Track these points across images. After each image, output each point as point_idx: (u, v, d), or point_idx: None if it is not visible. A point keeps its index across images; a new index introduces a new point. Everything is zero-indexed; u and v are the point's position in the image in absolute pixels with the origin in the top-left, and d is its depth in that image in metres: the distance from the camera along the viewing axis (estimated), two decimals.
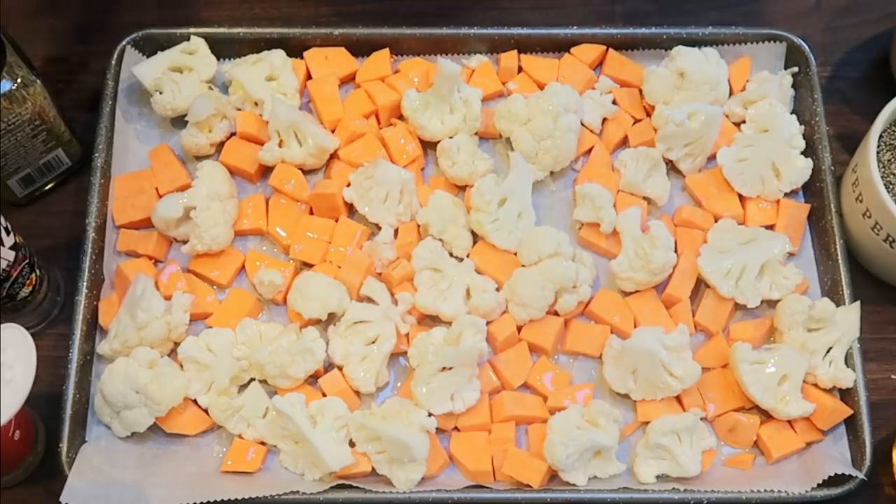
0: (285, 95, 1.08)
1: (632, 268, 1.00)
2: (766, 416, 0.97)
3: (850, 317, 0.98)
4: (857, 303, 0.99)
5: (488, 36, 1.12)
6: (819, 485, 0.93)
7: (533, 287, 0.98)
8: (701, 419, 0.96)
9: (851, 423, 0.97)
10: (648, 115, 1.10)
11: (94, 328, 1.00)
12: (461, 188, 1.06)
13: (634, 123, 1.10)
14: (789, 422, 0.97)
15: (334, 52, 1.11)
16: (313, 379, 0.98)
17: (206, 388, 0.96)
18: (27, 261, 0.96)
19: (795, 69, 1.10)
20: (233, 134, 1.08)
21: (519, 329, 1.00)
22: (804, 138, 1.06)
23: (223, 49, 1.11)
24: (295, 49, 1.11)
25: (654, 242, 0.99)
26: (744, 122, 1.08)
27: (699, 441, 0.95)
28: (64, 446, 0.94)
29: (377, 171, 1.01)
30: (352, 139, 1.07)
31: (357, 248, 1.02)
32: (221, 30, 1.11)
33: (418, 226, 1.04)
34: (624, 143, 1.10)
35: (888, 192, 0.97)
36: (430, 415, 0.94)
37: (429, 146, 1.08)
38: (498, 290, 1.00)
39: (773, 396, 0.95)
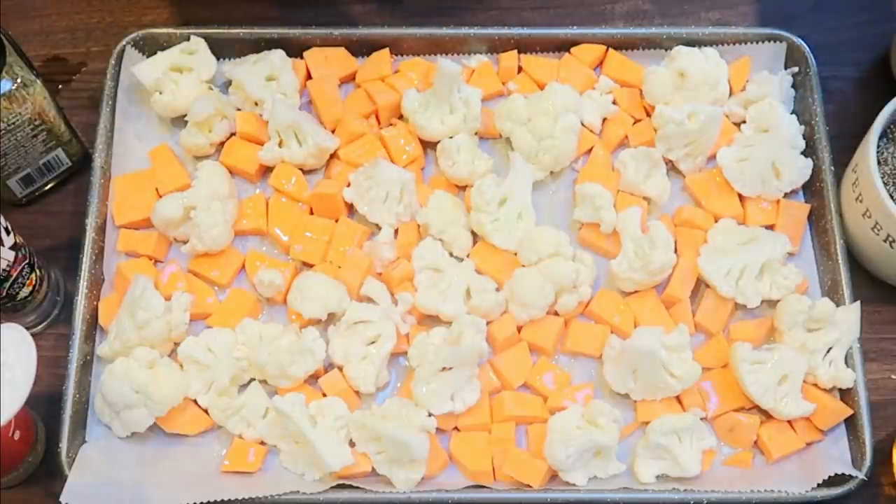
0: (285, 95, 1.07)
1: (631, 268, 1.00)
2: (766, 416, 0.97)
3: (850, 317, 0.98)
4: (857, 303, 0.99)
5: (488, 36, 1.11)
6: (819, 485, 0.93)
7: (533, 287, 0.98)
8: (701, 419, 0.96)
9: (851, 423, 0.97)
10: (648, 115, 1.10)
11: (94, 328, 1.00)
12: (461, 188, 1.06)
13: (634, 123, 1.10)
14: (789, 422, 0.97)
15: (334, 52, 1.11)
16: (313, 379, 0.98)
17: (206, 388, 0.96)
18: (27, 261, 0.96)
19: (795, 69, 1.10)
20: (233, 134, 1.08)
21: (519, 329, 1.00)
22: (804, 138, 1.06)
23: (223, 49, 1.11)
24: (295, 49, 1.11)
25: (654, 242, 0.99)
26: (744, 122, 1.08)
27: (699, 441, 0.95)
28: (64, 446, 0.94)
29: (377, 172, 1.01)
30: (352, 139, 1.07)
31: (357, 248, 1.02)
32: (221, 30, 1.11)
33: (418, 226, 1.04)
34: (624, 143, 1.10)
35: (888, 192, 0.97)
36: (430, 415, 0.94)
37: (429, 146, 1.08)
38: (498, 290, 1.00)
39: (773, 396, 0.95)
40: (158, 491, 0.92)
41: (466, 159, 1.04)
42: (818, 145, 1.07)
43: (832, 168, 1.06)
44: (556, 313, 1.00)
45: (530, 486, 0.94)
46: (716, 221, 1.04)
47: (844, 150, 1.09)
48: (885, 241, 0.98)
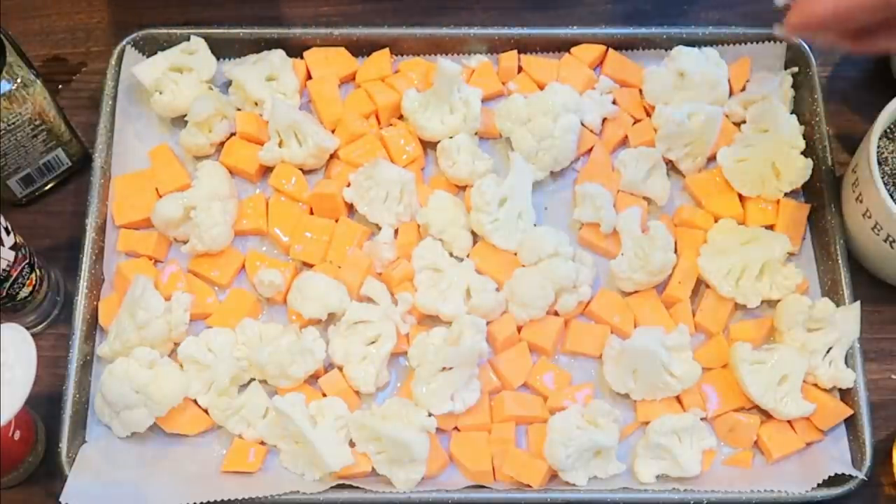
0: (285, 95, 1.07)
1: (631, 268, 1.00)
2: (766, 416, 0.97)
3: (850, 317, 0.98)
4: (857, 303, 0.99)
5: (488, 36, 1.11)
6: (819, 485, 0.93)
7: (533, 287, 0.98)
8: (701, 419, 0.96)
9: (851, 423, 0.97)
10: (648, 115, 1.10)
11: (94, 328, 1.00)
12: (461, 188, 1.06)
13: (634, 123, 1.10)
14: (789, 422, 0.97)
15: (334, 52, 1.11)
16: (313, 379, 0.98)
17: (206, 388, 0.96)
18: (27, 261, 0.96)
19: (795, 69, 1.10)
20: (233, 134, 1.08)
21: (519, 329, 1.00)
22: (804, 138, 1.06)
23: (223, 49, 1.11)
24: (295, 49, 1.11)
25: (654, 242, 0.99)
26: (744, 122, 1.08)
27: (699, 441, 0.95)
28: (64, 446, 0.94)
29: (377, 172, 1.01)
30: (352, 139, 1.07)
31: (357, 248, 1.02)
32: (221, 30, 1.11)
33: (418, 226, 1.04)
34: (624, 143, 1.10)
35: (888, 192, 0.97)
36: (430, 415, 0.94)
37: (429, 146, 1.08)
38: (498, 290, 1.00)
39: (773, 396, 0.95)
40: (158, 491, 0.92)
41: (466, 159, 1.04)
42: (818, 145, 1.07)
43: (832, 168, 1.06)
44: (556, 313, 1.00)
45: (530, 486, 0.94)
46: (716, 221, 1.04)
47: (844, 150, 1.09)
48: (885, 241, 0.98)
